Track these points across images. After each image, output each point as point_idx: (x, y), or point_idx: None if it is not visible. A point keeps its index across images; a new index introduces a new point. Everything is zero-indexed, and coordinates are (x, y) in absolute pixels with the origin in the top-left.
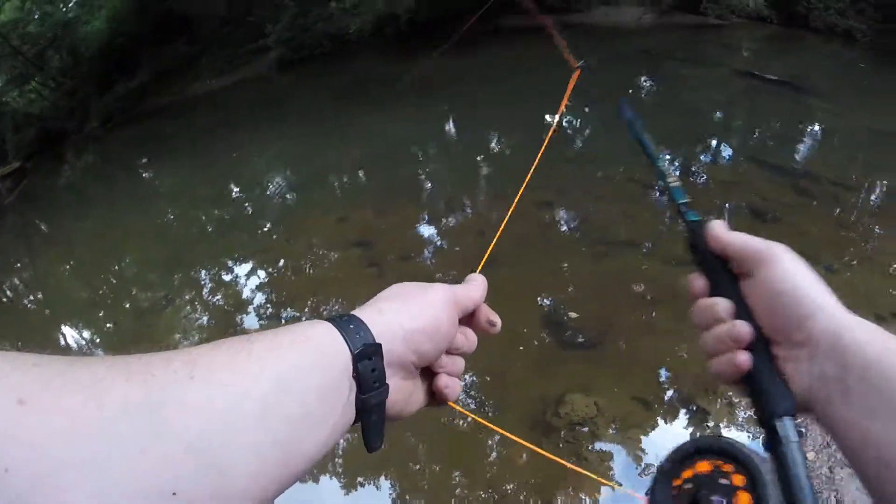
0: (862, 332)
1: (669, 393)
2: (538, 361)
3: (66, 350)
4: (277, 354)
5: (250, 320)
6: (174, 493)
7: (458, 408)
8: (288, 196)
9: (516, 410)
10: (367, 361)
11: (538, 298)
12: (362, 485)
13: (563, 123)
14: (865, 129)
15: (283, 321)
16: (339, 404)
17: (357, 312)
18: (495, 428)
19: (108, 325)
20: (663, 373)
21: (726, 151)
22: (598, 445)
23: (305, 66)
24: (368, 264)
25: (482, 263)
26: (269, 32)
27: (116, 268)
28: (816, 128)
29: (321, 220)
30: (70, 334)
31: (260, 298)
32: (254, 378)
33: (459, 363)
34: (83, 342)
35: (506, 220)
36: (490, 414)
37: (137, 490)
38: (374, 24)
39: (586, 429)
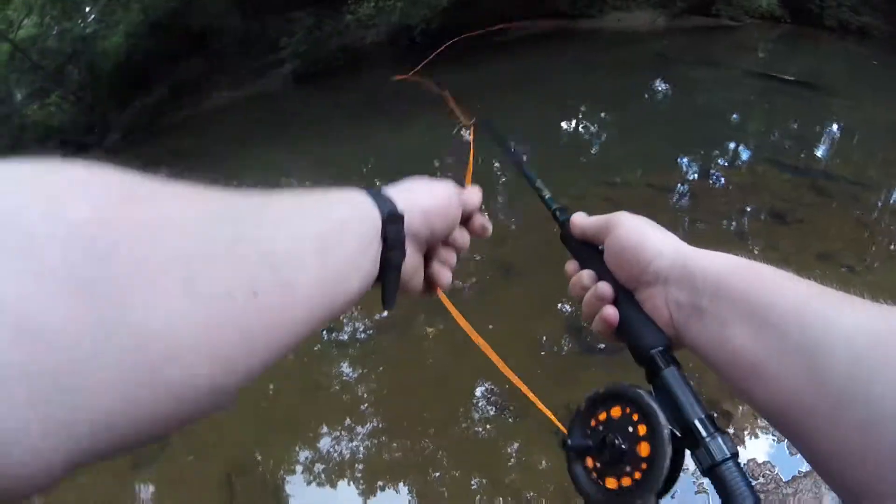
0: (707, 259)
1: None
2: (560, 368)
3: None
4: (330, 205)
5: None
6: (256, 294)
7: (445, 299)
8: None
9: (540, 416)
10: (393, 226)
11: (558, 305)
12: (382, 489)
13: (580, 129)
14: (883, 127)
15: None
16: (371, 256)
17: (383, 191)
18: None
19: None
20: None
21: (744, 153)
22: None
23: (320, 80)
24: None
25: (469, 177)
26: (284, 46)
27: None
28: (834, 127)
29: None
30: None
31: None
32: (318, 219)
33: (453, 256)
34: None
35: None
36: (511, 420)
37: (223, 285)
38: (388, 36)
39: None
